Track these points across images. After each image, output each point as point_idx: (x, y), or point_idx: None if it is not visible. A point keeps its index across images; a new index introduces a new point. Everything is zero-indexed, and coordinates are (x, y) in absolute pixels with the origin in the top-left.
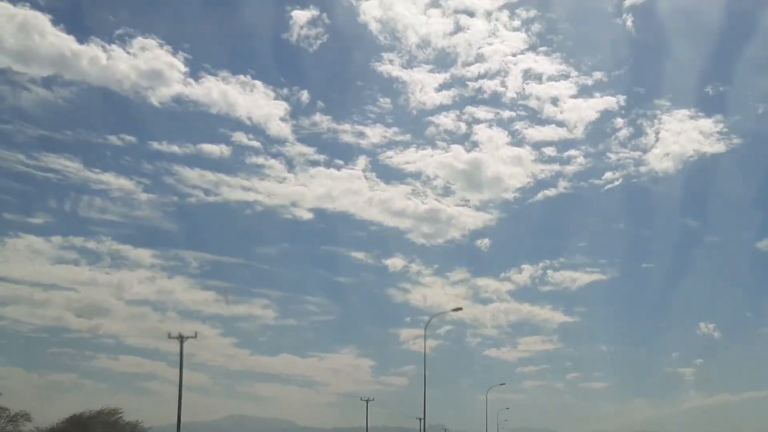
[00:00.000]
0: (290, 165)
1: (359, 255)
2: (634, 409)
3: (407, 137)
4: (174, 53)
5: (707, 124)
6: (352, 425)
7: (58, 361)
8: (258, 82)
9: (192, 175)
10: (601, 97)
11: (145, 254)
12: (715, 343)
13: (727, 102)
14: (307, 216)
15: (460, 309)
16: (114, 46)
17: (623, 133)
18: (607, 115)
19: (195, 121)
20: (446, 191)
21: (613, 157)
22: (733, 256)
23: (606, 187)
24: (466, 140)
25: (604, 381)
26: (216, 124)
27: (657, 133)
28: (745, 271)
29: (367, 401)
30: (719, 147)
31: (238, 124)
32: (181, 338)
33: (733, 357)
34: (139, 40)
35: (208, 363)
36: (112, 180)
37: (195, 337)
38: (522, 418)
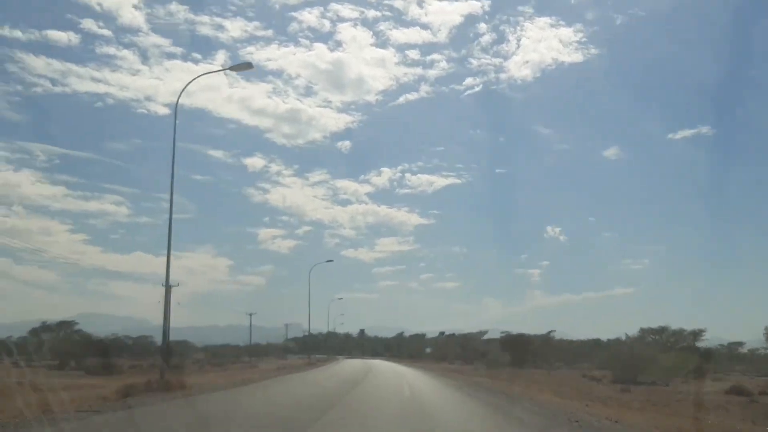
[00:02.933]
0: (144, 57)
1: (217, 153)
2: (484, 308)
3: (269, 33)
4: None
5: (567, 33)
6: (206, 323)
7: None
8: None
9: (38, 63)
10: (467, 0)
11: None
12: (560, 245)
13: (586, 11)
14: (163, 111)
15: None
16: None
17: (486, 38)
18: (471, 20)
19: (40, 4)
20: (308, 91)
21: (474, 62)
22: (581, 164)
23: (466, 93)
24: (329, 39)
25: (456, 281)
26: (63, 9)
27: (518, 40)
28: (592, 178)
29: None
30: (577, 56)
31: (87, 10)
32: None
33: (576, 259)
34: None
35: (58, 260)
36: None
37: None
38: (377, 317)
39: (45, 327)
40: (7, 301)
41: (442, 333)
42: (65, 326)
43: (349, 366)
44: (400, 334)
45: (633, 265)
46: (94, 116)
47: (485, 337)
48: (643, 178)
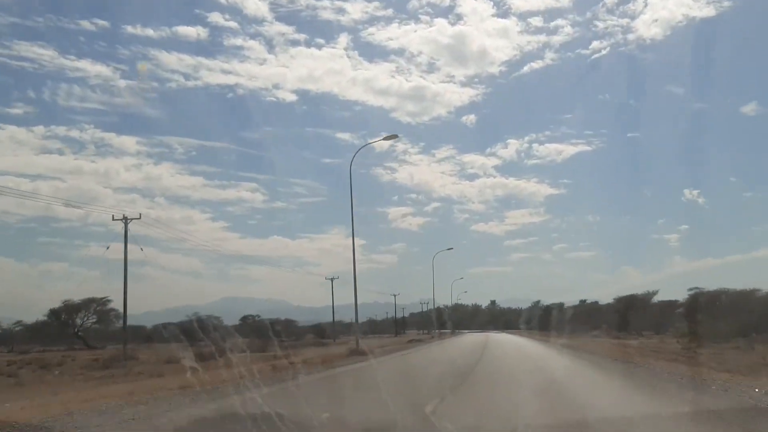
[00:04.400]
0: (270, 45)
1: (344, 136)
2: (621, 277)
3: (389, 12)
4: None
5: None
6: (343, 303)
7: (48, 250)
8: None
9: (170, 59)
10: None
11: (129, 141)
12: (699, 208)
13: None
14: (291, 98)
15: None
16: None
17: None
18: None
19: (169, 2)
20: (431, 67)
21: (600, 25)
22: (718, 123)
23: (593, 57)
24: (449, 13)
25: (591, 250)
26: (190, 4)
27: None
28: (730, 137)
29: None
30: (709, 11)
31: (214, 4)
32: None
33: (717, 222)
34: None
35: (200, 248)
36: (89, 67)
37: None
38: (511, 289)
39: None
40: (156, 289)
41: (583, 301)
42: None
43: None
44: (537, 303)
45: None
46: (226, 107)
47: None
48: None
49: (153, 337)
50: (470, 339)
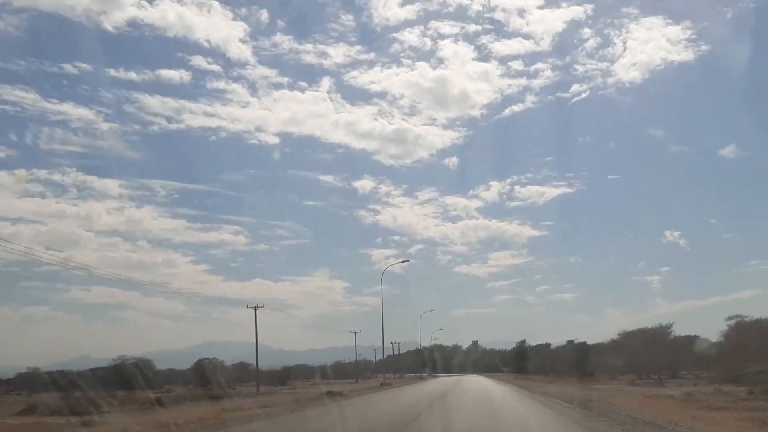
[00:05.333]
0: (253, 89)
1: (327, 178)
2: (603, 318)
3: (371, 56)
4: None
5: (675, 31)
6: (326, 346)
7: (29, 294)
8: (215, 2)
9: (153, 102)
10: (568, 6)
11: (111, 184)
12: (680, 250)
13: (695, 7)
14: (273, 140)
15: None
16: None
17: (590, 43)
18: (574, 25)
19: (152, 46)
20: (413, 110)
21: (580, 69)
22: (697, 165)
23: (573, 100)
24: (431, 57)
25: (573, 292)
26: (173, 48)
27: (624, 42)
28: (709, 179)
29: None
30: (687, 55)
31: (197, 48)
32: None
33: (698, 263)
34: None
35: (182, 291)
36: (71, 110)
37: None
38: (495, 331)
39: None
40: (138, 333)
41: (570, 341)
42: None
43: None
44: (522, 343)
45: (761, 266)
46: (208, 150)
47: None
48: (763, 174)
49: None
50: (431, 388)
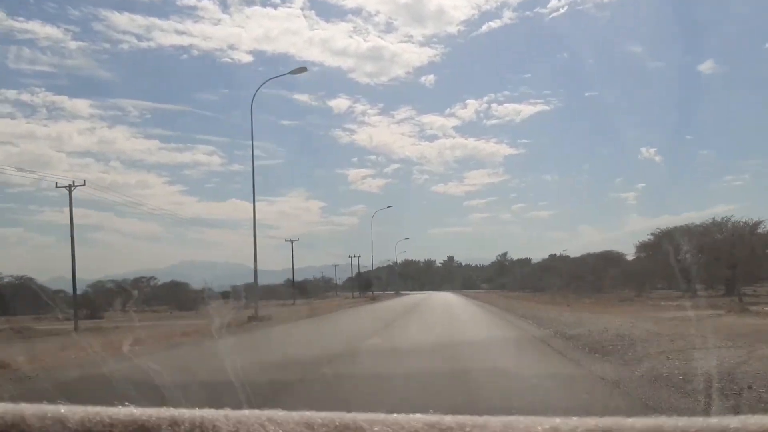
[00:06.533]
0: (224, 5)
1: (302, 97)
2: (580, 235)
3: None
4: None
5: None
6: (302, 266)
7: (2, 216)
8: None
9: (122, 19)
10: None
11: (82, 105)
12: (656, 166)
13: None
14: (247, 59)
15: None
16: None
17: None
18: None
19: None
20: (388, 27)
21: None
22: (675, 81)
23: (551, 16)
24: None
25: (549, 209)
26: None
27: None
28: (686, 95)
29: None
30: None
31: None
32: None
33: (673, 179)
34: None
35: (157, 212)
36: (38, 28)
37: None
38: (471, 249)
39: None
40: (113, 253)
41: (553, 255)
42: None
43: None
44: (504, 255)
45: (734, 181)
46: (180, 68)
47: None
48: (740, 91)
49: None
50: (379, 313)
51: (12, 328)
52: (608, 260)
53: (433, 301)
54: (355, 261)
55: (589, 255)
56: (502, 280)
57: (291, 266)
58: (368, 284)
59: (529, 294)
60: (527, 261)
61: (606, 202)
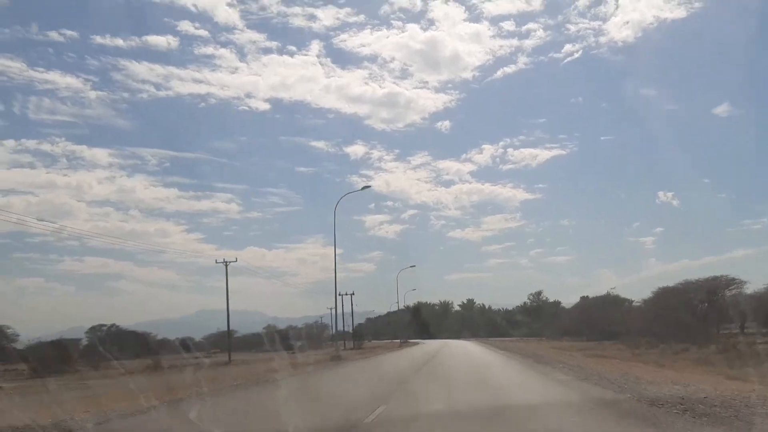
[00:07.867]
0: (241, 54)
1: (319, 144)
2: (599, 280)
3: (361, 18)
4: None
5: None
6: (320, 313)
7: (22, 265)
8: None
9: (140, 69)
10: None
11: (101, 154)
12: (674, 210)
13: None
14: (263, 107)
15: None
16: None
17: (582, 2)
18: None
19: (137, 11)
20: (404, 74)
21: (572, 28)
22: (690, 124)
23: (566, 60)
24: (421, 18)
25: (567, 255)
26: (160, 13)
27: (616, 0)
28: (702, 138)
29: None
30: (680, 12)
31: (184, 12)
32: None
33: (691, 223)
34: None
35: (176, 260)
36: (59, 78)
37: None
38: (489, 295)
39: None
40: (132, 302)
41: (585, 297)
42: None
43: None
44: (538, 295)
45: (753, 225)
46: (198, 117)
47: None
48: (757, 133)
49: None
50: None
51: None
52: (665, 303)
53: (449, 359)
54: (348, 301)
55: (659, 294)
56: (535, 324)
57: (309, 314)
58: (359, 333)
59: (584, 343)
60: (556, 304)
61: (623, 246)
